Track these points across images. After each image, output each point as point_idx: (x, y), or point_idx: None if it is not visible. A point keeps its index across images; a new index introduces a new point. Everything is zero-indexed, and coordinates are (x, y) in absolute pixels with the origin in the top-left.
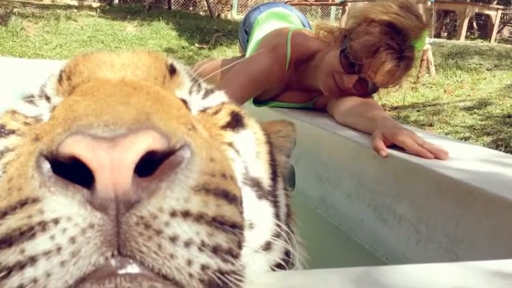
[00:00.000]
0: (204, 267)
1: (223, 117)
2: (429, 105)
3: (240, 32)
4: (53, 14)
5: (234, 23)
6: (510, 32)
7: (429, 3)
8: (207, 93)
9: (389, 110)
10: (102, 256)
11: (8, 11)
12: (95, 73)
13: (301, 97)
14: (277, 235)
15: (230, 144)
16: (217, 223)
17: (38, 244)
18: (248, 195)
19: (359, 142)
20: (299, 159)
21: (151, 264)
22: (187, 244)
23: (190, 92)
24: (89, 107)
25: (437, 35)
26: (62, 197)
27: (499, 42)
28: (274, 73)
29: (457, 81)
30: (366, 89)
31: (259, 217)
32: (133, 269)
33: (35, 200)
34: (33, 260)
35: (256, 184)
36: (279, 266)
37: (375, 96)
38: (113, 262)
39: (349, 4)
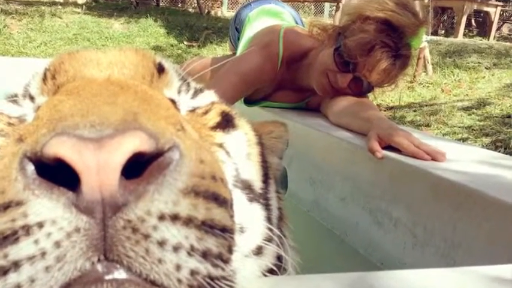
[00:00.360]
0: (193, 273)
1: (213, 118)
2: (426, 105)
3: (231, 29)
4: (37, 10)
5: (225, 20)
6: (510, 30)
7: (426, 0)
8: (197, 92)
9: (385, 110)
10: (88, 261)
11: None
12: (80, 72)
13: (293, 97)
14: (269, 239)
15: (220, 146)
16: (207, 227)
17: (22, 249)
18: (239, 198)
19: (353, 143)
20: (292, 161)
21: (138, 270)
22: (176, 248)
23: (179, 92)
24: (74, 106)
25: (435, 33)
26: (47, 199)
27: (498, 40)
28: (265, 72)
29: (455, 80)
30: (360, 88)
31: (250, 221)
32: (120, 274)
33: (19, 203)
34: (16, 265)
35: (247, 187)
36: (271, 271)
37: (370, 95)
38: (99, 267)
39: (343, 1)
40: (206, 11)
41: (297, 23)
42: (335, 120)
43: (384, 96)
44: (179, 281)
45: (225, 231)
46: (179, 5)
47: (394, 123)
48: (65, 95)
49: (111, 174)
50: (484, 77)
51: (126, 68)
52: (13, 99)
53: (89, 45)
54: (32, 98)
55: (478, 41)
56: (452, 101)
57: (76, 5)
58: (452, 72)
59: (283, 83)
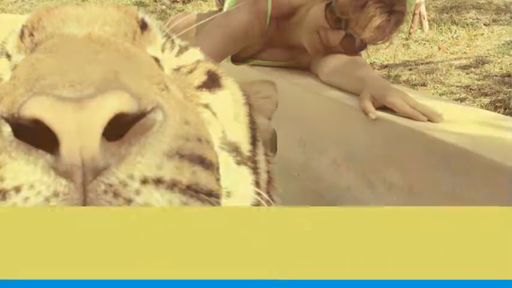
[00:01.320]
0: None
1: (199, 77)
2: (422, 64)
3: None
4: None
5: None
6: None
7: None
8: (181, 50)
9: (379, 69)
10: None
11: None
12: (59, 29)
13: (283, 55)
14: (257, 204)
15: (206, 106)
16: (192, 191)
17: None
18: (225, 161)
19: (346, 104)
20: (281, 122)
21: None
22: None
23: (163, 49)
24: (52, 65)
25: None
26: (24, 162)
27: None
28: (254, 29)
29: (452, 37)
30: (353, 46)
31: (237, 185)
32: None
33: None
34: None
35: (234, 149)
36: None
37: (363, 53)
38: None
39: None
40: None
41: None
42: (326, 80)
43: (378, 54)
44: None
45: (210, 196)
46: None
47: (389, 82)
48: (43, 53)
49: (92, 136)
50: (482, 34)
51: (107, 24)
52: None
53: (68, 1)
54: (8, 56)
55: None
56: (449, 59)
57: None
58: (449, 28)
59: (272, 41)
